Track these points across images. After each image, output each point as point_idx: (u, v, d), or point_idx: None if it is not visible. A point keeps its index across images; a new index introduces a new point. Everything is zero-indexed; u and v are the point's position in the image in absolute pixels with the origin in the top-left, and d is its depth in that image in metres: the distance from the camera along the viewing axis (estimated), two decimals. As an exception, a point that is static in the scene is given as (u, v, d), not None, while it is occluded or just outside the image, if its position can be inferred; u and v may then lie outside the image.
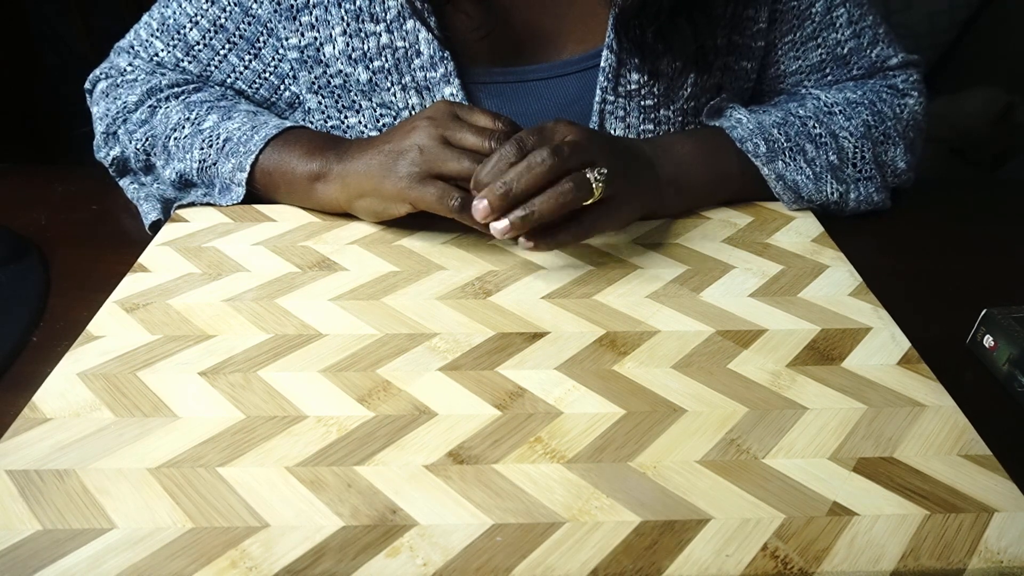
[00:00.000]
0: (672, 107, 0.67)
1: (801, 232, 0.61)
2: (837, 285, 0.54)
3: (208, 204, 0.64)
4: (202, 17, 0.66)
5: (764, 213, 0.64)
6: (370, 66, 0.64)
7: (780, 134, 0.63)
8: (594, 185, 0.50)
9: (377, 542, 0.34)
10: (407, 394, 0.43)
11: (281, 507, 0.36)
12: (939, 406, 0.42)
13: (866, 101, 0.67)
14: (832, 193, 0.63)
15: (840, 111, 0.65)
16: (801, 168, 0.62)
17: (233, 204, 0.63)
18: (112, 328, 0.48)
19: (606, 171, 0.51)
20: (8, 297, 0.54)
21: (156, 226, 0.62)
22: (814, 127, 0.63)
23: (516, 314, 0.50)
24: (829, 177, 0.63)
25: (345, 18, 0.63)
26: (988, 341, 0.48)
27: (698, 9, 0.62)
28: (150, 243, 0.58)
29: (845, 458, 0.39)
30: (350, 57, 0.64)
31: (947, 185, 0.83)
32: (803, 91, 0.70)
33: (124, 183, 0.68)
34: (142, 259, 0.56)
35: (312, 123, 0.69)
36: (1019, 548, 0.34)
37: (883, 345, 0.47)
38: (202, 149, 0.62)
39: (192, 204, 0.64)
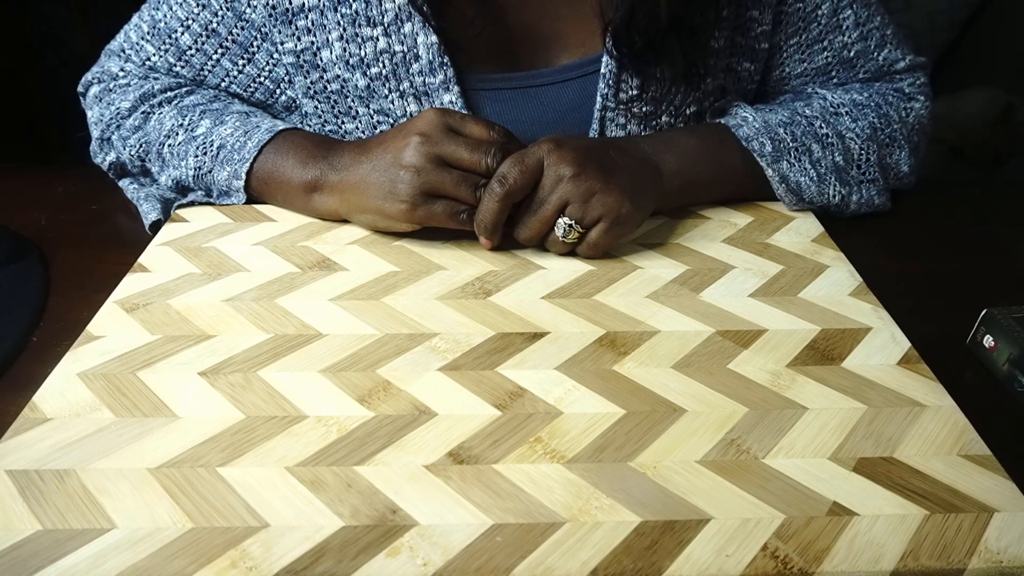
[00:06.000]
0: (675, 114, 0.67)
1: (801, 232, 0.61)
2: (837, 285, 0.54)
3: (208, 203, 0.64)
4: (193, 21, 0.66)
5: (764, 213, 0.64)
6: (368, 72, 0.64)
7: (786, 133, 0.62)
8: (564, 240, 0.55)
9: (377, 542, 0.34)
10: (407, 394, 0.43)
11: (281, 507, 0.36)
12: (939, 406, 0.42)
13: (872, 104, 0.66)
14: (834, 196, 0.63)
15: (847, 112, 0.65)
16: (805, 169, 0.62)
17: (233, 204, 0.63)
18: (112, 328, 0.48)
19: (577, 220, 0.54)
20: (8, 297, 0.54)
21: (156, 226, 0.62)
22: (821, 127, 0.63)
23: (516, 314, 0.50)
24: (833, 179, 0.63)
25: (341, 23, 0.62)
26: (988, 341, 0.48)
27: (686, 33, 0.61)
28: (150, 243, 0.58)
29: (845, 458, 0.39)
30: (347, 63, 0.63)
31: (947, 185, 0.83)
32: (808, 90, 0.70)
33: (124, 183, 0.68)
34: (142, 259, 0.56)
35: (309, 127, 0.69)
36: (1019, 548, 0.34)
37: (883, 345, 0.47)
38: (196, 157, 0.62)
39: (192, 204, 0.64)
